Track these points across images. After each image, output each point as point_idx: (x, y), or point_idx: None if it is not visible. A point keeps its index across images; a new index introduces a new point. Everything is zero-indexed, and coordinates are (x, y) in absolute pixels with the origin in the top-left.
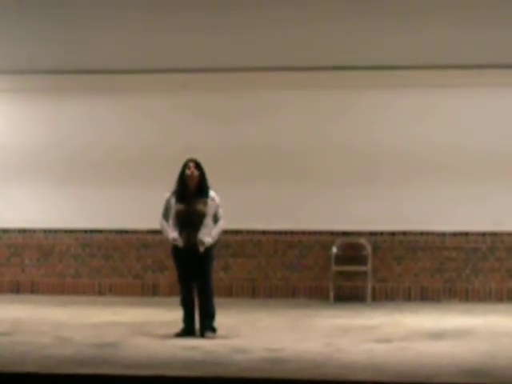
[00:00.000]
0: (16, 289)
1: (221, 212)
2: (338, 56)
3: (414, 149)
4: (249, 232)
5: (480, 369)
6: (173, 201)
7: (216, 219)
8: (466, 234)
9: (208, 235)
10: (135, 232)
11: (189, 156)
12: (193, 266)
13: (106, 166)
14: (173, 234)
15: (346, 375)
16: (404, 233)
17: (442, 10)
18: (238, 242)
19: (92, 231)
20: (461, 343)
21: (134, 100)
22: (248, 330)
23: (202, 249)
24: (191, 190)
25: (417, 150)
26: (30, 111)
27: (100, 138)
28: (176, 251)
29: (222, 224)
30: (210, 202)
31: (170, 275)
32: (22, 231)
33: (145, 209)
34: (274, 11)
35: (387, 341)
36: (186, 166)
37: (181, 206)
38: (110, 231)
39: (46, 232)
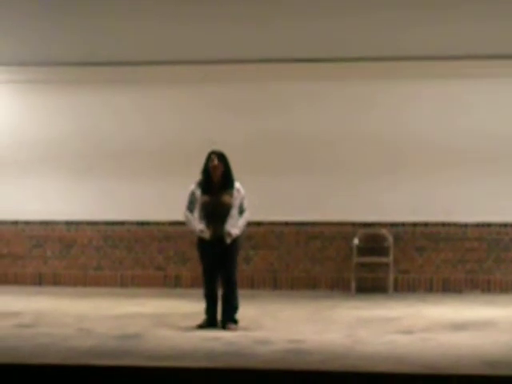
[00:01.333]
0: (38, 281)
1: (246, 203)
2: (363, 47)
3: (437, 140)
4: (270, 223)
5: (501, 360)
6: (198, 193)
7: (241, 210)
8: (488, 224)
9: (235, 227)
10: (157, 224)
11: (212, 148)
12: (218, 258)
13: (129, 157)
14: (200, 225)
15: (368, 366)
16: (426, 224)
17: (470, 0)
18: (260, 233)
19: (114, 223)
20: (482, 334)
21: (157, 92)
22: (269, 322)
23: (228, 240)
24: (216, 182)
25: (439, 140)
26: (52, 103)
27: (122, 129)
28: (202, 243)
29: (248, 215)
30: (235, 193)
31: (192, 267)
32: (44, 223)
33: (167, 200)
34: (299, 2)
35: (409, 332)
36: (208, 158)
37: (206, 198)
38: (132, 223)
39: (68, 224)
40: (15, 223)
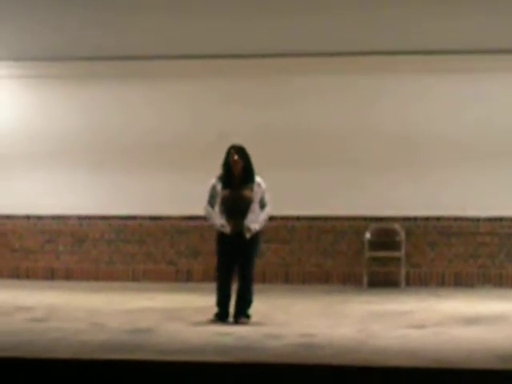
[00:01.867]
0: (51, 275)
1: (267, 197)
2: (371, 41)
3: (448, 134)
4: (282, 218)
5: None
6: (219, 187)
7: (262, 205)
8: (500, 219)
9: (255, 222)
10: (169, 218)
11: (233, 143)
12: (238, 253)
13: (140, 152)
14: (220, 220)
15: (380, 361)
16: (438, 218)
17: None
18: (272, 227)
19: (126, 217)
20: (495, 329)
21: (168, 86)
22: (281, 316)
23: (248, 235)
24: (237, 177)
25: (451, 135)
26: (64, 97)
27: (134, 123)
28: (222, 237)
29: (269, 210)
30: (256, 187)
31: (203, 261)
32: (57, 218)
33: (178, 195)
34: None
35: (421, 326)
36: (228, 153)
37: (227, 193)
38: (144, 217)
39: (80, 218)
40: (27, 218)
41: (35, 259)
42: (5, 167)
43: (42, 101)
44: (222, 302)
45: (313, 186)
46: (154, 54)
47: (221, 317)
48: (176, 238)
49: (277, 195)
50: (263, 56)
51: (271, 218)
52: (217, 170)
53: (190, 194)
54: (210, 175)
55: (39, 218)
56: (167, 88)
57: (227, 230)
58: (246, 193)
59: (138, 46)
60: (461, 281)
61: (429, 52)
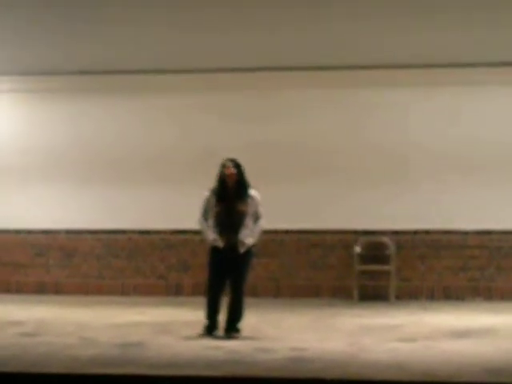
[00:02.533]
0: (41, 289)
1: (261, 210)
2: (363, 55)
3: (437, 148)
4: (272, 232)
5: (504, 368)
6: (213, 201)
7: (256, 217)
8: (489, 232)
9: (249, 236)
10: (158, 232)
11: (227, 157)
12: (230, 266)
13: (130, 166)
14: (213, 234)
15: (370, 374)
16: (427, 231)
17: (468, 9)
18: (261, 241)
19: (115, 232)
20: (484, 342)
21: (157, 100)
22: (271, 330)
23: (242, 250)
24: (231, 190)
25: (439, 149)
26: (53, 111)
27: (123, 138)
28: (215, 252)
29: (263, 223)
30: (249, 201)
31: (193, 275)
32: (46, 232)
33: (168, 209)
34: (300, 10)
35: (411, 340)
36: (224, 166)
37: (221, 206)
38: (134, 231)
39: (69, 233)
40: (18, 232)
41: (25, 273)
42: None
43: (30, 115)
44: (211, 315)
45: (302, 199)
46: (143, 69)
47: (209, 329)
48: (166, 252)
49: (266, 209)
50: (252, 70)
51: None
52: (207, 183)
53: (179, 208)
54: (200, 189)
55: (29, 232)
56: (156, 102)
57: (220, 244)
58: (240, 206)
59: (128, 61)
60: (450, 294)
61: (417, 66)
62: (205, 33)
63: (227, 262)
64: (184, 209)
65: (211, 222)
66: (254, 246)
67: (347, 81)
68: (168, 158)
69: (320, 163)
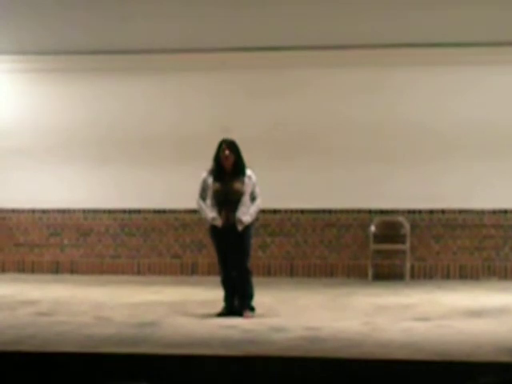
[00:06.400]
0: (55, 269)
1: (258, 190)
2: (362, 34)
3: (453, 126)
4: (287, 211)
5: None
6: (210, 180)
7: (253, 197)
8: (505, 211)
9: (246, 214)
10: (173, 211)
11: (223, 136)
12: (231, 245)
13: (145, 145)
14: (212, 213)
15: (385, 354)
16: (442, 211)
17: None
18: (276, 220)
19: (130, 211)
20: (499, 321)
21: (171, 80)
22: (286, 309)
23: (240, 228)
24: (228, 170)
25: (455, 127)
26: (70, 91)
27: (139, 117)
28: (214, 231)
29: (259, 202)
30: (246, 180)
31: (208, 254)
32: (61, 211)
33: (183, 189)
34: None
35: (425, 319)
36: (220, 147)
37: (218, 186)
38: (149, 211)
39: (85, 212)
40: (32, 211)
41: (40, 253)
42: (9, 161)
43: (47, 95)
44: (227, 297)
45: (317, 179)
46: (158, 48)
47: (227, 311)
48: (181, 232)
49: (281, 188)
50: (255, 49)
51: (275, 211)
52: None
53: (194, 188)
54: None
55: (44, 211)
56: (170, 82)
57: (219, 222)
58: (237, 186)
59: (143, 40)
60: (465, 273)
61: (419, 45)
62: (213, 11)
63: (228, 241)
64: (196, 189)
65: (209, 201)
66: (252, 225)
67: (351, 60)
68: (183, 137)
69: (335, 142)
